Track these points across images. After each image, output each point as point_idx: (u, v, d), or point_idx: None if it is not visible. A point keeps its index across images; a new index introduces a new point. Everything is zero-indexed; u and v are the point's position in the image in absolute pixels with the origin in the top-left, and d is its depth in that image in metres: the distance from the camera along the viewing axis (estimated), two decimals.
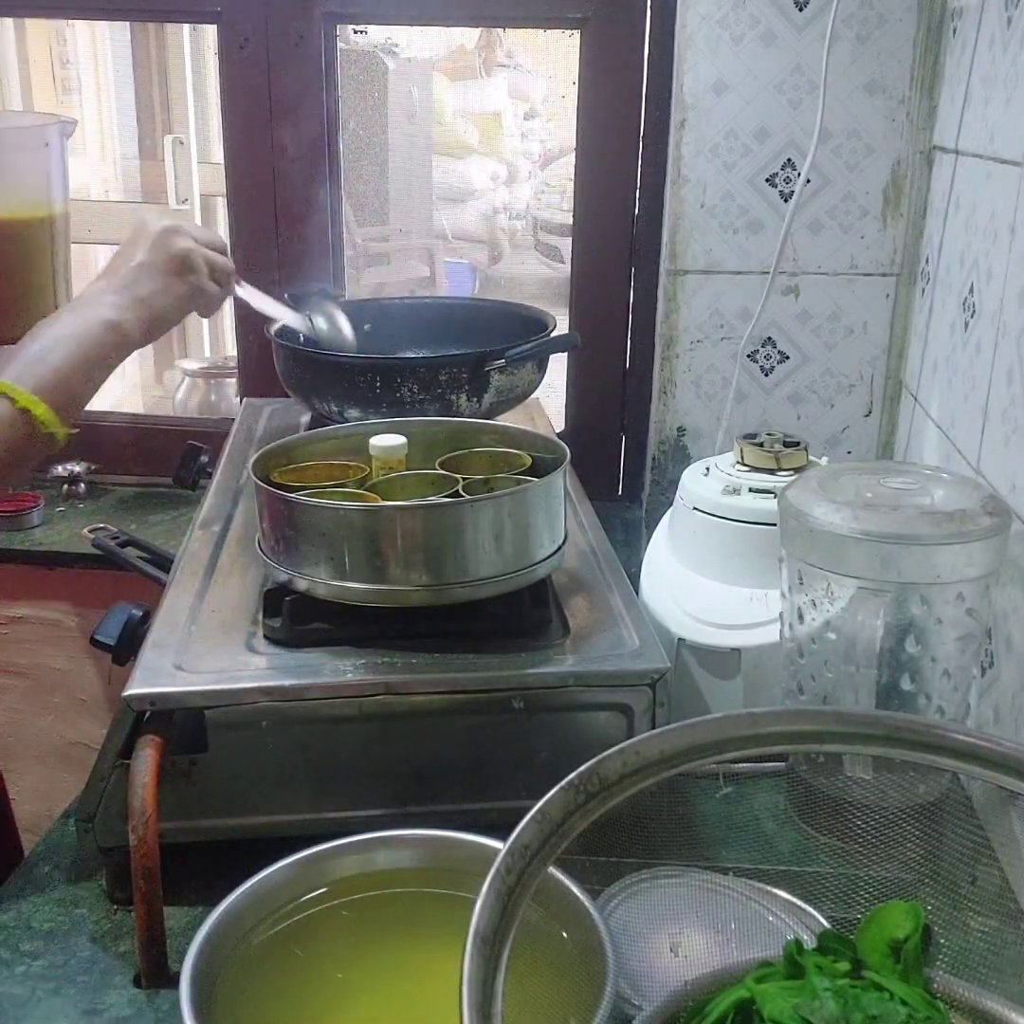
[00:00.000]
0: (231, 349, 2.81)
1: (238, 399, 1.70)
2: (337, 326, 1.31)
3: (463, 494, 0.94)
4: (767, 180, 1.40)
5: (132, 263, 0.98)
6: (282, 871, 0.74)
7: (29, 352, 0.92)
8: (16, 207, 1.07)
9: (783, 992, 0.64)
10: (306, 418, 1.41)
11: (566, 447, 0.98)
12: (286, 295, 1.31)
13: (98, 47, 3.08)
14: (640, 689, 0.86)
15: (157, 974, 0.77)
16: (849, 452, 1.49)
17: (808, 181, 1.37)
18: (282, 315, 1.26)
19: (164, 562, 1.15)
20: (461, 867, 0.75)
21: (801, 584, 0.92)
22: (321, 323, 1.30)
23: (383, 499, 0.95)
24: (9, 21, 2.54)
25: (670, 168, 1.41)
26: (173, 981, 0.77)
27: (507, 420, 1.22)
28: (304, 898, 0.75)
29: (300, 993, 0.70)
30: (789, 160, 1.38)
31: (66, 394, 0.91)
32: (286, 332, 1.28)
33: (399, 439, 1.01)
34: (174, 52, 3.06)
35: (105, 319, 0.95)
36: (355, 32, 3.24)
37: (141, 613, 0.97)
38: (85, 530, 1.23)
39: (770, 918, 0.78)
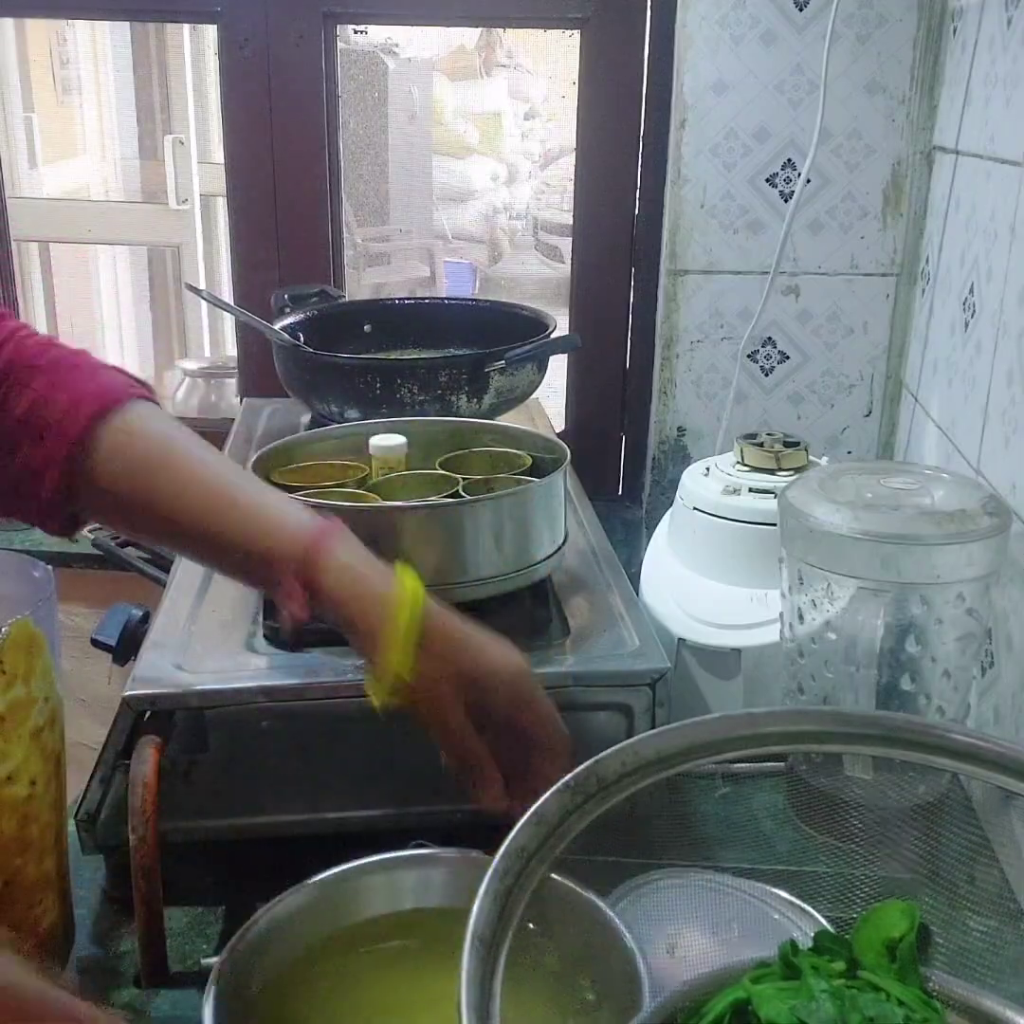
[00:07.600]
0: (231, 349, 2.81)
1: (238, 399, 1.70)
2: None
3: (463, 494, 0.94)
4: (767, 180, 1.39)
5: None
6: (347, 877, 0.71)
7: None
8: None
9: (780, 993, 0.64)
10: (306, 418, 1.41)
11: (566, 447, 0.98)
12: (285, 296, 1.29)
13: (98, 47, 3.09)
14: (640, 689, 0.86)
15: (157, 974, 0.77)
16: (849, 452, 1.49)
17: (808, 181, 1.37)
18: None
19: (164, 562, 1.15)
20: None
21: (801, 584, 0.92)
22: None
23: (383, 499, 0.95)
24: (9, 21, 2.54)
25: (670, 168, 1.41)
26: (173, 981, 0.77)
27: (507, 420, 1.22)
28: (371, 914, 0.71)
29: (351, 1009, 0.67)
30: (789, 160, 1.38)
31: None
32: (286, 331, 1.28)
33: (399, 439, 1.01)
34: (174, 52, 3.07)
35: None
36: (355, 32, 3.25)
37: (141, 613, 0.97)
38: (85, 530, 1.23)
39: (770, 918, 0.78)
